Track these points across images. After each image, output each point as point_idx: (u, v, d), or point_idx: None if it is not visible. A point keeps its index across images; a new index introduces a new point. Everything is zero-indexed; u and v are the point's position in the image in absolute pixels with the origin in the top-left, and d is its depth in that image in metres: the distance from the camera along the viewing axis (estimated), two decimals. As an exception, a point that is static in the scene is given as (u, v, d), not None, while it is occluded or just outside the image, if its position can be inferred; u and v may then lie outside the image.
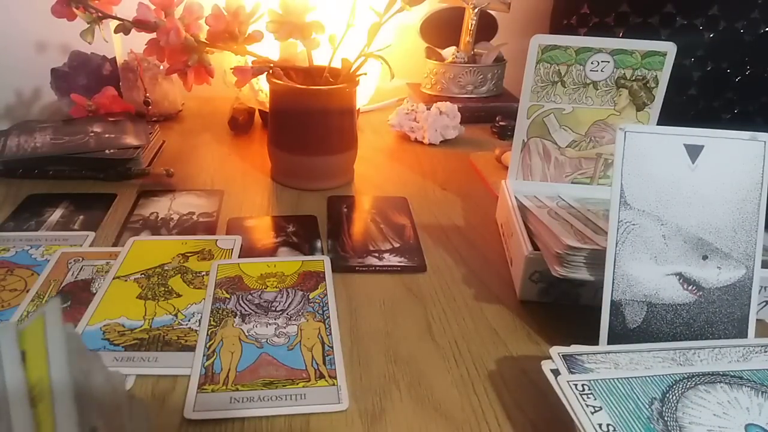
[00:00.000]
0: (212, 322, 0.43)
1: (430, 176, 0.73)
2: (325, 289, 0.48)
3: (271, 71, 0.63)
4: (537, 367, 0.36)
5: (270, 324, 0.43)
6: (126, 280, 0.48)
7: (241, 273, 0.50)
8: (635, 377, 0.34)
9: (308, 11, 0.58)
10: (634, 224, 0.39)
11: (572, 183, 0.59)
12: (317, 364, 0.40)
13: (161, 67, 0.85)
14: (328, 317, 0.44)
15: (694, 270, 0.39)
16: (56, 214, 0.59)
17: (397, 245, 0.56)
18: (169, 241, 0.55)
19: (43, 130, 0.73)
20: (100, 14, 0.59)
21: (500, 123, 0.88)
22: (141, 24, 0.58)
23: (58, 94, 0.85)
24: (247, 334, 0.42)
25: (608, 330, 0.39)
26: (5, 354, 0.23)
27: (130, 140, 0.70)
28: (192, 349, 0.41)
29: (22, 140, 0.70)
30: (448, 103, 0.85)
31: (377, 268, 0.52)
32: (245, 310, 0.45)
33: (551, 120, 0.56)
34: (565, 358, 0.36)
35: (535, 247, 0.47)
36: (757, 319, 0.40)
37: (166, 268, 0.50)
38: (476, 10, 0.92)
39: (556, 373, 0.34)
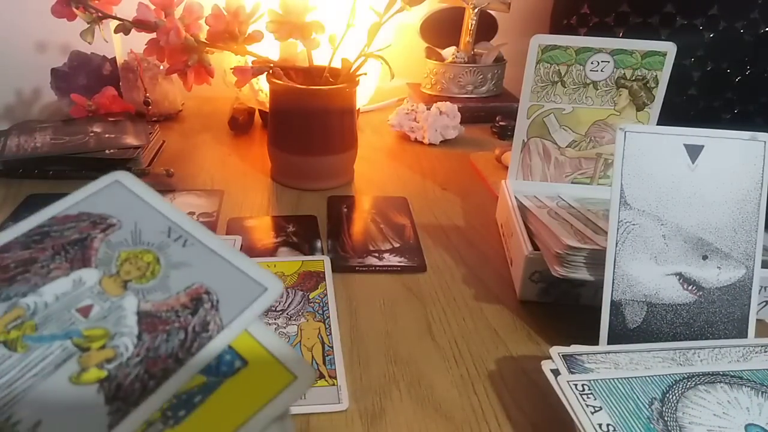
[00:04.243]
0: (212, 322, 0.43)
1: (430, 176, 0.73)
2: (325, 289, 0.48)
3: (271, 71, 0.63)
4: (537, 367, 0.36)
5: (270, 324, 0.43)
6: (126, 280, 0.48)
7: (241, 273, 0.49)
8: (635, 377, 0.34)
9: (308, 11, 0.58)
10: (634, 224, 0.39)
11: (572, 183, 0.59)
12: (317, 364, 0.40)
13: (161, 67, 0.85)
14: (328, 317, 0.44)
15: (694, 270, 0.39)
16: (56, 214, 0.59)
17: (397, 245, 0.56)
18: (169, 241, 0.55)
19: (43, 130, 0.73)
20: (100, 14, 0.59)
21: (500, 123, 0.88)
22: (141, 24, 0.58)
23: (58, 94, 0.85)
24: (247, 334, 0.42)
25: (608, 330, 0.39)
26: None
27: (130, 140, 0.70)
28: (192, 349, 0.41)
29: (22, 140, 0.70)
30: (448, 103, 0.85)
31: (377, 268, 0.52)
32: (245, 310, 0.45)
33: (551, 120, 0.56)
34: (565, 358, 0.36)
35: (535, 247, 0.47)
36: (757, 319, 0.40)
37: (166, 268, 0.50)
38: (476, 10, 0.92)
39: (556, 373, 0.34)
